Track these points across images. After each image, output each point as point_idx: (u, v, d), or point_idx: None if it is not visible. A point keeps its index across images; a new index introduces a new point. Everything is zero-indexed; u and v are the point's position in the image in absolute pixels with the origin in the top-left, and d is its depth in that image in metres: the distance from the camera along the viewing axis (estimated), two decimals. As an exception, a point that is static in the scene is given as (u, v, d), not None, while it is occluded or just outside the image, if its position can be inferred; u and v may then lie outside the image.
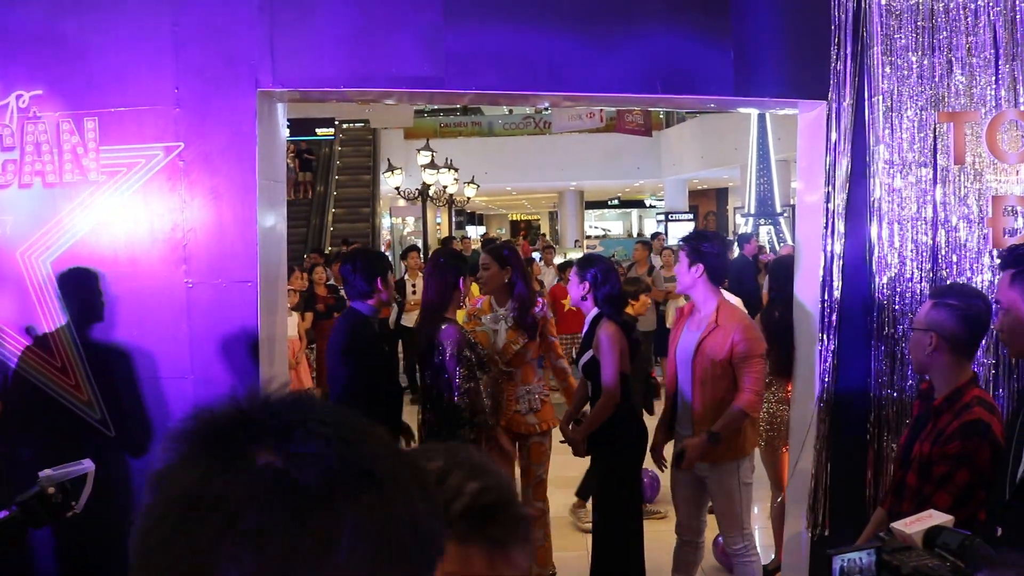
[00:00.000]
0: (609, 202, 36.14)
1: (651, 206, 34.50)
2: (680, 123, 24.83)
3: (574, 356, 4.88)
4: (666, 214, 24.38)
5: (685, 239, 4.22)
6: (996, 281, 2.41)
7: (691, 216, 24.72)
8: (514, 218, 43.07)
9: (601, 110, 21.46)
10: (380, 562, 0.62)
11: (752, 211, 16.71)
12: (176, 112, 4.16)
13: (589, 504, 5.19)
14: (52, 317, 4.25)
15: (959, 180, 4.04)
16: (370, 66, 4.15)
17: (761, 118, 16.28)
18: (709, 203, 29.81)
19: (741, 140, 18.28)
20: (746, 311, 4.23)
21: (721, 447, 4.00)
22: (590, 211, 35.56)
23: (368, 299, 4.24)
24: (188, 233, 4.18)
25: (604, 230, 37.49)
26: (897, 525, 1.80)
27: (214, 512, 0.58)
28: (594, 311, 4.39)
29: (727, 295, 4.40)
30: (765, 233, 15.72)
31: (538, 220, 41.95)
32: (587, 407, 4.55)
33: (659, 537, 5.63)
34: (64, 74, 4.20)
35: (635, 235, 30.53)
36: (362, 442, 0.64)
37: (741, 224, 18.33)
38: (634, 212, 38.02)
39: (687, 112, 23.87)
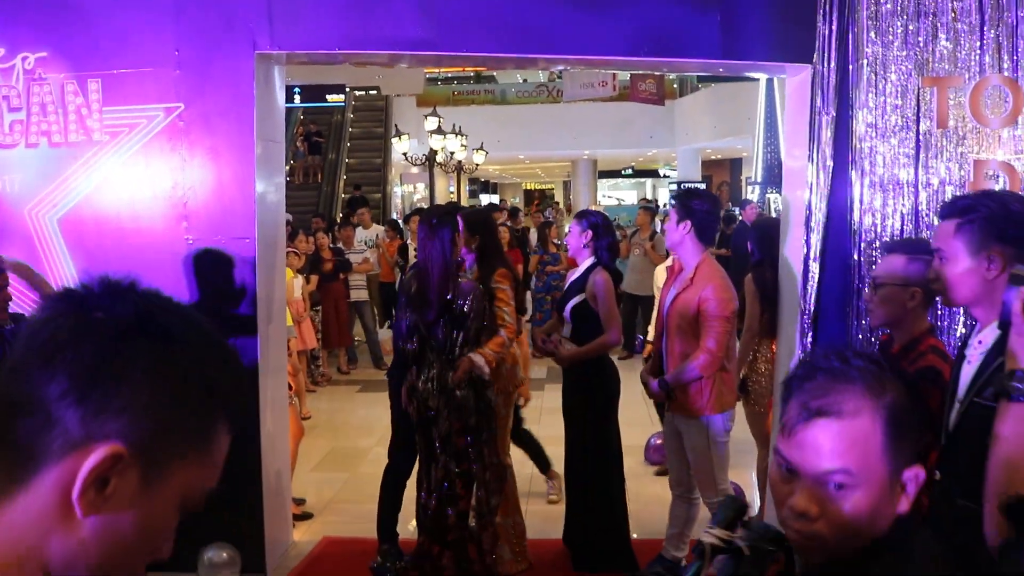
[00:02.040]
0: (623, 171, 36.05)
1: (665, 176, 34.40)
2: (693, 92, 24.71)
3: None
4: (679, 184, 24.32)
5: (676, 196, 4.30)
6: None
7: (704, 186, 24.65)
8: (528, 187, 43.06)
9: (615, 75, 21.37)
10: (164, 399, 0.80)
11: (759, 179, 16.69)
12: (176, 74, 4.28)
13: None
14: (60, 273, 4.40)
15: (941, 144, 4.11)
16: (365, 29, 4.25)
17: (769, 87, 16.23)
18: (723, 173, 29.71)
19: (754, 110, 18.21)
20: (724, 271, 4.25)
21: (687, 402, 4.08)
22: (604, 180, 35.51)
23: None
24: (188, 191, 4.31)
25: (618, 199, 37.45)
26: None
27: (45, 348, 0.79)
28: (589, 260, 4.50)
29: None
30: (773, 201, 15.71)
31: (552, 189, 41.93)
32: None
33: (659, 493, 5.81)
34: (68, 36, 4.32)
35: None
36: (165, 313, 0.83)
37: (749, 192, 18.32)
38: (648, 182, 37.93)
39: (700, 82, 23.77)
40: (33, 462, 0.78)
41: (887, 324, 2.84)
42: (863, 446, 1.22)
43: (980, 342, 2.23)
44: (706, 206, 4.09)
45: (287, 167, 9.43)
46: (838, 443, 1.21)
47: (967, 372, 2.23)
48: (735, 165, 29.20)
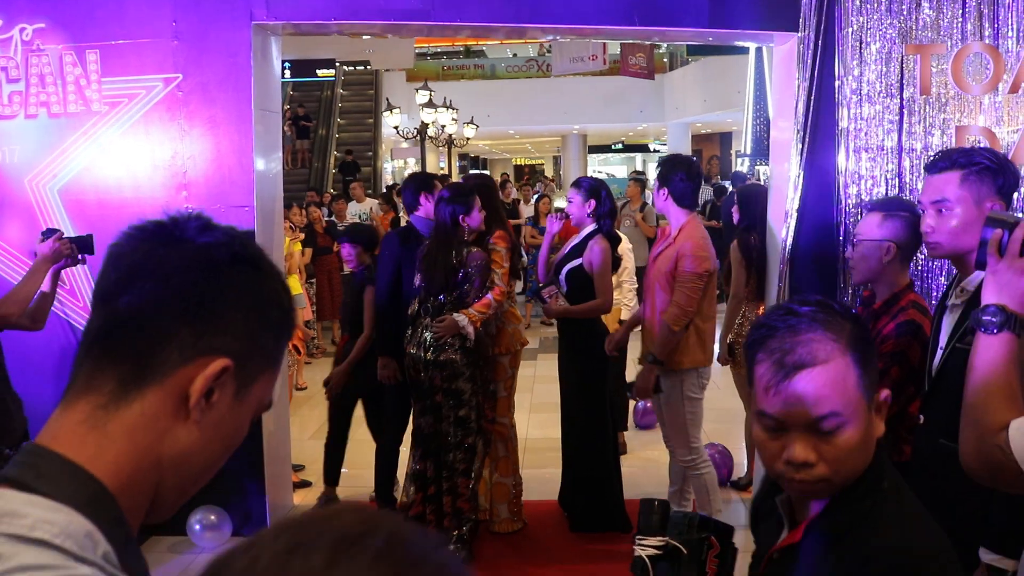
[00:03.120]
0: (613, 146, 36.06)
1: (655, 150, 34.42)
2: (683, 66, 24.71)
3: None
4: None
5: (658, 164, 4.42)
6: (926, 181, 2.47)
7: (696, 164, 24.57)
8: (518, 162, 43.03)
9: (605, 48, 21.35)
10: (256, 320, 0.92)
11: (748, 151, 16.76)
12: (174, 45, 4.33)
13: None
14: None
15: (924, 110, 4.21)
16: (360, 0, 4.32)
17: (759, 59, 16.26)
18: (713, 147, 29.75)
19: (744, 84, 18.22)
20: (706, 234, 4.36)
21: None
22: (594, 155, 35.52)
23: (415, 211, 4.71)
24: (188, 161, 4.38)
25: (608, 175, 37.50)
26: None
27: (154, 273, 0.88)
28: (591, 227, 4.61)
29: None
30: (763, 174, 15.79)
31: (542, 165, 41.92)
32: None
33: (649, 455, 5.96)
34: (66, 7, 4.37)
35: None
36: (253, 245, 0.95)
37: (739, 165, 18.39)
38: (638, 156, 37.96)
39: (690, 55, 23.76)
40: (149, 372, 0.87)
41: (867, 280, 2.95)
42: (843, 385, 1.28)
43: (963, 290, 2.33)
44: (680, 174, 4.21)
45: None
46: (822, 390, 1.27)
47: (949, 320, 2.34)
48: (725, 139, 29.25)
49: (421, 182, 4.87)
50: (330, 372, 5.09)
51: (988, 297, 1.59)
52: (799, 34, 4.21)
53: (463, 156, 33.57)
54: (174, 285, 0.88)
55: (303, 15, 4.34)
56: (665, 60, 25.27)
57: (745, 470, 5.36)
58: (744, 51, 16.42)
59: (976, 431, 1.55)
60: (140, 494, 0.88)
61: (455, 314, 4.22)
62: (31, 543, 0.75)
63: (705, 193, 11.69)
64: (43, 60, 4.41)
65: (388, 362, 4.58)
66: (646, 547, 1.40)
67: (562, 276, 4.64)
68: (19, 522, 0.76)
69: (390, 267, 4.56)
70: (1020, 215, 1.88)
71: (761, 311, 4.91)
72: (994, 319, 1.56)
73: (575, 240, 4.69)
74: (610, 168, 39.56)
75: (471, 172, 28.45)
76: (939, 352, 2.38)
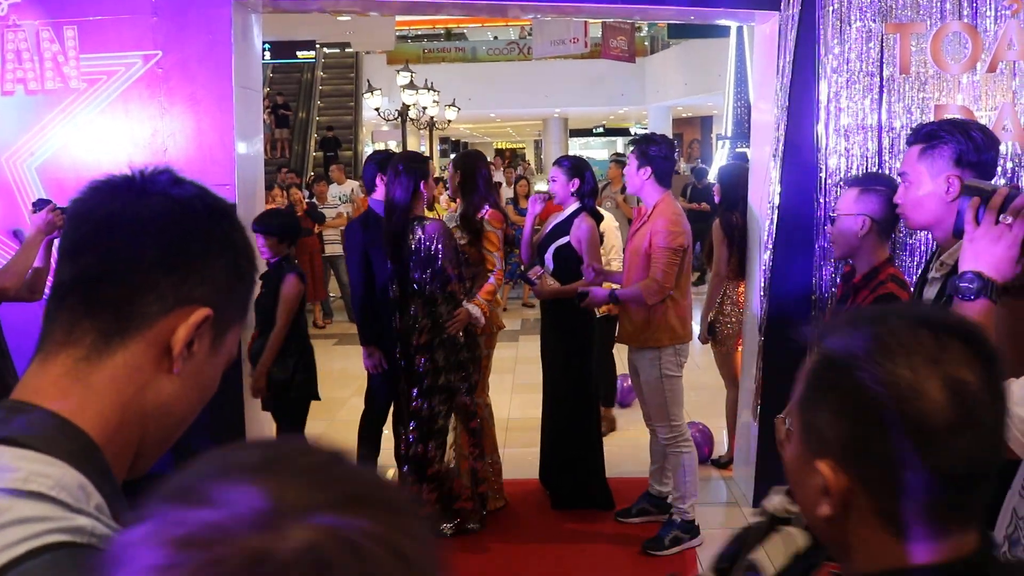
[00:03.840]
0: (594, 130, 36.02)
1: (635, 134, 34.42)
2: (664, 49, 24.70)
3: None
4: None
5: (634, 142, 4.40)
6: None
7: (675, 143, 24.60)
8: (499, 146, 42.91)
9: (586, 30, 21.30)
10: (230, 270, 0.93)
11: (728, 134, 16.80)
12: (154, 21, 4.29)
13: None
14: (39, 221, 4.43)
15: (904, 89, 4.24)
16: (341, -24, 4.29)
17: (740, 41, 16.28)
18: (694, 131, 29.78)
19: (725, 68, 18.24)
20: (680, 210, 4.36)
21: (641, 333, 4.22)
22: (575, 139, 35.45)
23: (373, 193, 4.64)
24: (168, 139, 4.35)
25: (588, 158, 37.44)
26: None
27: (131, 224, 0.89)
28: (574, 205, 4.62)
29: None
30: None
31: (523, 148, 41.83)
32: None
33: (629, 434, 6.00)
34: (42, -18, 4.31)
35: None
36: (222, 199, 0.96)
37: (720, 147, 18.44)
38: (619, 140, 37.93)
39: (671, 38, 23.77)
40: (130, 323, 0.88)
41: (846, 255, 2.99)
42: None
43: (943, 263, 2.37)
44: (663, 151, 4.21)
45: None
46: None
47: (929, 292, 2.37)
48: (706, 123, 29.27)
49: (378, 164, 4.70)
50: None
51: (965, 264, 1.62)
52: (780, 13, 4.23)
53: (444, 140, 33.45)
54: (153, 236, 0.88)
55: (284, -9, 4.32)
56: (646, 43, 25.26)
57: (726, 448, 5.41)
58: (725, 34, 16.44)
59: None
60: (125, 446, 0.88)
61: (467, 304, 4.26)
62: (26, 496, 0.75)
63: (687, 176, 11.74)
64: (19, 36, 4.35)
65: (372, 351, 4.56)
66: (776, 504, 1.17)
67: (548, 255, 4.63)
68: (12, 475, 0.76)
69: (357, 256, 4.52)
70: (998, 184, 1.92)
71: (742, 289, 4.95)
72: (971, 285, 1.58)
73: (558, 218, 4.70)
74: (591, 152, 39.54)
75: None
76: None
